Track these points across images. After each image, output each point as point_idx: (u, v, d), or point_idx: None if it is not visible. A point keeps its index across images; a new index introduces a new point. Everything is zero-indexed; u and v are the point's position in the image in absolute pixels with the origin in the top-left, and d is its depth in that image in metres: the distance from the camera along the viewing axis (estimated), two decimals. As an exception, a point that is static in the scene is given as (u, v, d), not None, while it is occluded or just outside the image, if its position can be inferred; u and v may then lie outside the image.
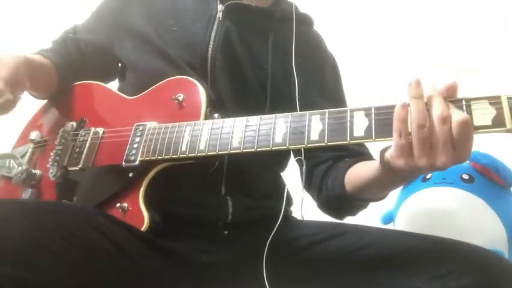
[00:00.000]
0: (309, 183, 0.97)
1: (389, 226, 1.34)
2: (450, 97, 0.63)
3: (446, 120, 0.60)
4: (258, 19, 1.00)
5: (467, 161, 1.23)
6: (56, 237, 0.62)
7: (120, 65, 1.04)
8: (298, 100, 0.94)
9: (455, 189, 1.21)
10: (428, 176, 1.26)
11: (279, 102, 0.96)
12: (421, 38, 1.70)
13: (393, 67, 1.66)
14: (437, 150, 0.61)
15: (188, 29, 0.96)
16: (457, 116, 0.60)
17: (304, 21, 1.08)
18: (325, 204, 0.96)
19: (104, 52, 1.03)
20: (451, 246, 0.78)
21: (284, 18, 1.02)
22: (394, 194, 1.34)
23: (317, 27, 1.11)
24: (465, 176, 1.22)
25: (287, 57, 0.98)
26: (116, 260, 0.71)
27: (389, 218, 1.34)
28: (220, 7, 0.97)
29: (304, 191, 0.91)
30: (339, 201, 0.90)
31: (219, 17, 0.96)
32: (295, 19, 1.02)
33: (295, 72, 0.96)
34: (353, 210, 0.94)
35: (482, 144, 1.09)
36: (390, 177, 0.74)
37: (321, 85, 1.02)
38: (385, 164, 0.70)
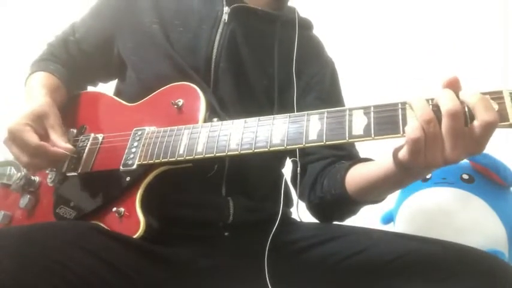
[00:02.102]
0: (300, 181, 0.96)
1: (390, 226, 1.34)
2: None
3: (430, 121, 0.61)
4: (263, 23, 1.00)
5: (467, 161, 1.23)
6: (45, 276, 0.59)
7: (121, 63, 1.01)
8: (297, 104, 0.94)
9: (455, 189, 1.21)
10: (428, 176, 1.26)
11: (284, 107, 0.95)
12: (419, 40, 1.70)
13: (392, 70, 1.66)
14: (430, 149, 0.61)
15: (194, 31, 0.95)
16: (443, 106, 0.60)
17: (305, 26, 1.07)
18: (316, 206, 0.95)
19: (106, 51, 1.01)
20: (451, 250, 0.77)
21: (287, 22, 1.02)
22: (394, 194, 1.34)
23: (316, 30, 1.11)
24: (465, 176, 1.22)
25: (289, 61, 0.98)
26: (112, 283, 0.69)
27: (389, 218, 1.35)
28: (226, 9, 0.96)
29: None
30: (335, 202, 0.89)
31: (225, 19, 0.95)
32: (297, 24, 1.01)
33: (294, 77, 0.96)
34: (344, 214, 0.93)
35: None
36: (403, 176, 0.73)
37: (319, 88, 1.02)
38: (398, 165, 0.69)
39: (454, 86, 0.62)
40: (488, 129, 0.59)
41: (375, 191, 0.83)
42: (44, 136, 0.85)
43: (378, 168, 0.78)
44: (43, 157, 0.83)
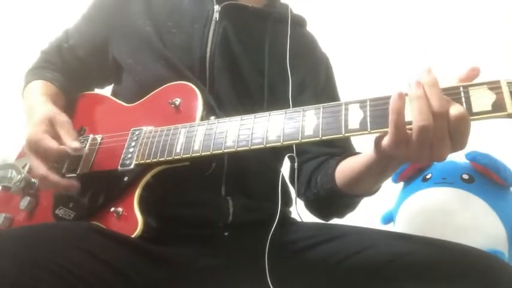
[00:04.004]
0: (297, 180, 0.96)
1: (390, 226, 1.34)
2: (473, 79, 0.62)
3: (443, 115, 0.59)
4: (254, 20, 1.00)
5: (468, 161, 1.23)
6: (44, 277, 0.58)
7: (116, 67, 1.02)
8: (292, 101, 0.94)
9: (455, 189, 1.21)
10: (428, 176, 1.26)
11: (277, 103, 0.95)
12: (409, 38, 1.70)
13: (387, 65, 1.66)
14: (435, 144, 0.61)
15: (187, 31, 0.95)
16: (455, 110, 0.59)
17: (298, 22, 1.08)
18: (313, 203, 0.95)
19: (101, 56, 1.02)
20: (451, 250, 0.77)
21: (279, 19, 1.02)
22: (394, 194, 1.34)
23: (310, 27, 1.11)
24: (465, 176, 1.22)
25: (281, 58, 0.98)
26: (111, 283, 0.68)
27: (389, 218, 1.34)
28: (216, 7, 0.97)
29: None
30: (328, 197, 0.89)
31: (216, 18, 0.96)
32: (290, 20, 1.02)
33: (289, 73, 0.96)
34: (341, 209, 0.93)
35: (483, 144, 1.09)
36: (385, 164, 0.74)
37: (314, 85, 1.02)
38: (381, 152, 0.69)
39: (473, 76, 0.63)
40: (461, 122, 0.59)
41: (363, 182, 0.83)
42: (59, 140, 0.83)
43: (361, 160, 0.79)
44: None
